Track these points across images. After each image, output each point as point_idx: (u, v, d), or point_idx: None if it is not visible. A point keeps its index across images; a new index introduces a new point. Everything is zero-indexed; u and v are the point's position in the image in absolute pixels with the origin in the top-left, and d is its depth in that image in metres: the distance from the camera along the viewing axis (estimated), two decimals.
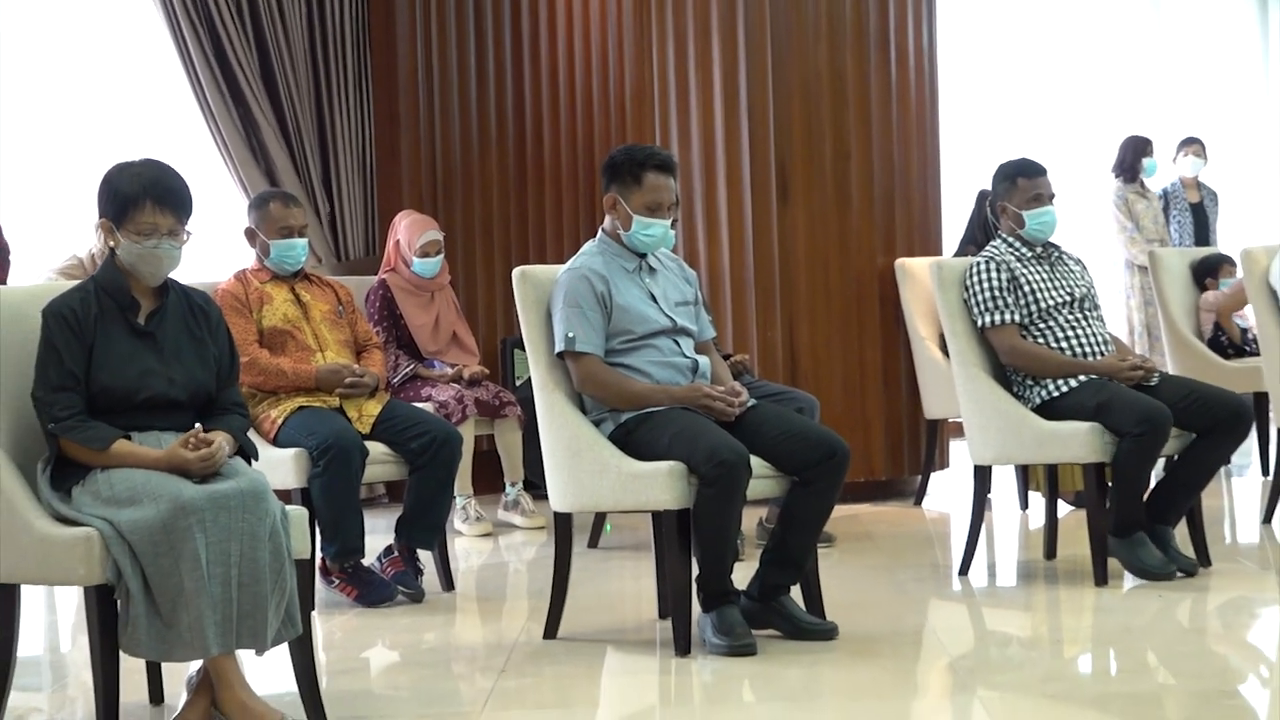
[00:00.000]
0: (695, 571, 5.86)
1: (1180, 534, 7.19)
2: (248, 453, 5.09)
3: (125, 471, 4.79)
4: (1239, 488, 9.87)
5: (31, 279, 8.03)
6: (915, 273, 9.29)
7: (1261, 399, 9.63)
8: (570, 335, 6.01)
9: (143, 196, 4.94)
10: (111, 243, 4.98)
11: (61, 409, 4.83)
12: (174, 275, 5.09)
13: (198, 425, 4.94)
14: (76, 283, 5.12)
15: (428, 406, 8.07)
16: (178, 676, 5.11)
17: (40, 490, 4.89)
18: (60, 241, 8.76)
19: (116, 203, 4.96)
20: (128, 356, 4.94)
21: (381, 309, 8.74)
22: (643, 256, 6.20)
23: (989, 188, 7.31)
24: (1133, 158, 12.13)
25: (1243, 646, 6.05)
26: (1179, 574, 6.82)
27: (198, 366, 5.07)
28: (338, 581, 7.02)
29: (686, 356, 6.17)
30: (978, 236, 9.49)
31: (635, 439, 5.94)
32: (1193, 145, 12.51)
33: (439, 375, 8.73)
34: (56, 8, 9.79)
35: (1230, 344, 10.09)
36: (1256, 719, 5.00)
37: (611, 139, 10.49)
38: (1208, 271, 10.17)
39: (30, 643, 6.64)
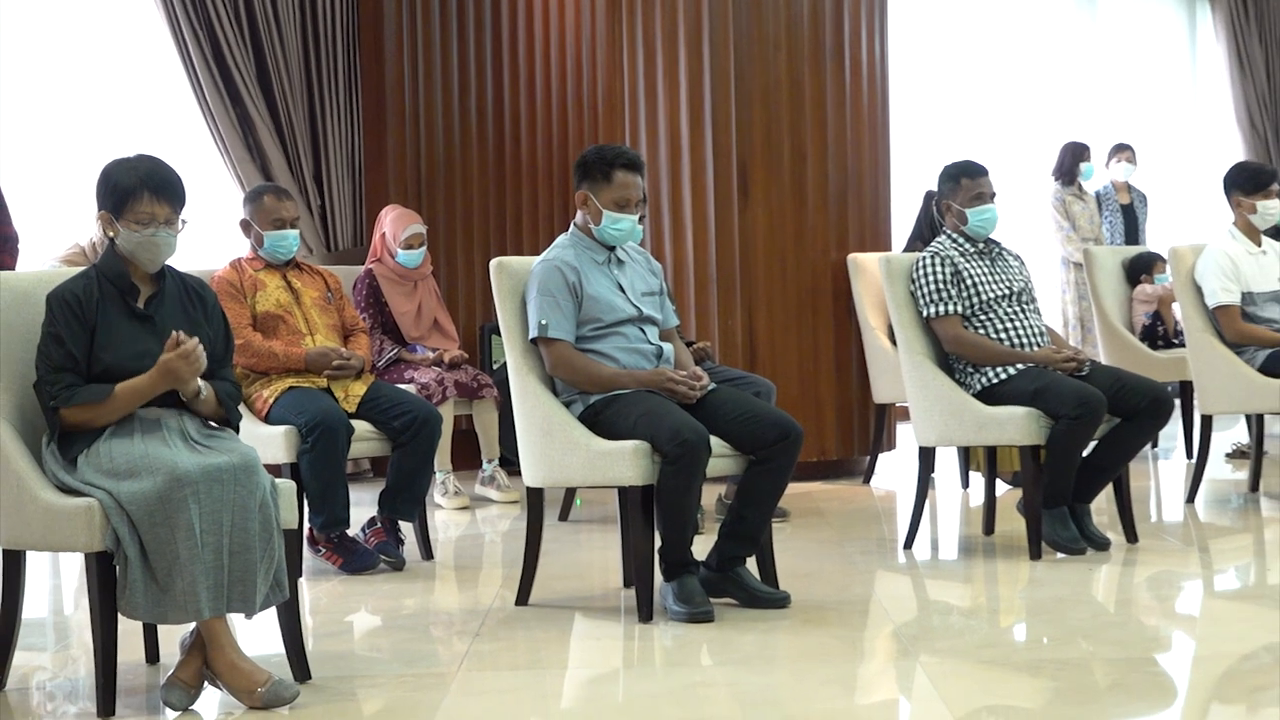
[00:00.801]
0: (658, 543, 5.87)
1: (1111, 513, 7.23)
2: (232, 419, 5.08)
3: (125, 444, 4.78)
4: (1164, 470, 9.89)
5: (37, 266, 7.99)
6: (866, 266, 9.29)
7: (1188, 387, 9.66)
8: (543, 322, 6.00)
9: (140, 188, 4.92)
10: (111, 233, 4.97)
11: (63, 386, 4.81)
12: (171, 262, 5.07)
13: (177, 334, 4.91)
14: (80, 269, 5.11)
15: (410, 388, 8.06)
16: (172, 638, 5.09)
17: (45, 463, 4.87)
18: (64, 231, 8.72)
19: (115, 195, 4.95)
20: (128, 338, 4.92)
21: (368, 296, 8.72)
22: (611, 249, 6.20)
23: (935, 188, 7.30)
24: (1071, 162, 12.15)
25: (1166, 617, 6.06)
26: (1088, 549, 6.85)
27: None
28: (324, 550, 7.01)
29: (652, 343, 6.16)
30: (925, 233, 9.49)
31: (603, 419, 5.93)
32: (1125, 152, 12.55)
33: (421, 359, 8.72)
34: (67, 13, 9.73)
35: (1164, 335, 10.09)
36: (1179, 684, 5.01)
37: (584, 139, 10.51)
38: (1141, 268, 10.18)
39: (35, 605, 6.62)
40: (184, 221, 5.01)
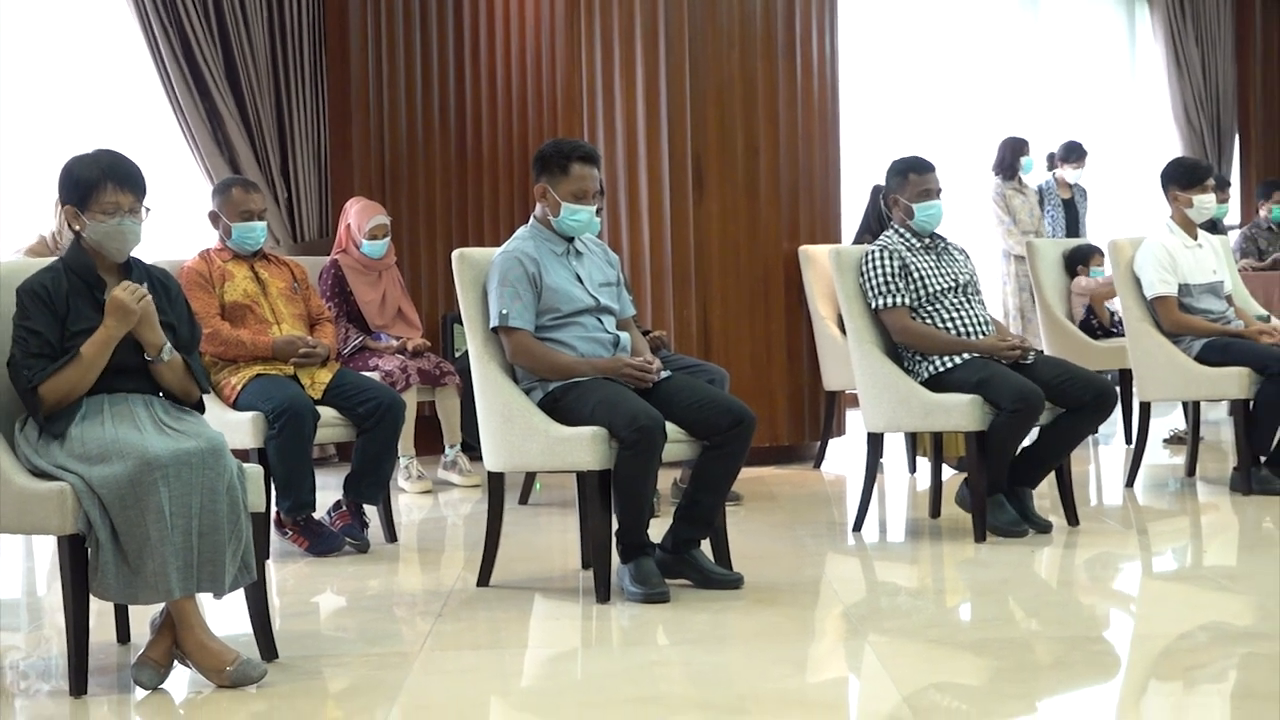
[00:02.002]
0: (615, 526, 5.87)
1: (1053, 497, 7.26)
2: (200, 381, 5.07)
3: (96, 430, 4.77)
4: (1105, 455, 9.93)
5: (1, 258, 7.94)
6: (816, 258, 9.31)
7: (1126, 375, 9.70)
8: (504, 312, 6.00)
9: (104, 179, 4.92)
10: (77, 226, 4.96)
11: (40, 369, 4.80)
12: (141, 252, 5.07)
13: (126, 284, 4.90)
14: (47, 261, 5.10)
15: (374, 375, 8.06)
16: (143, 618, 5.07)
17: (18, 447, 4.85)
18: (29, 224, 8.66)
19: (79, 188, 4.94)
20: (96, 328, 4.90)
21: (333, 286, 8.70)
22: (570, 241, 6.19)
23: (883, 183, 7.31)
24: (1011, 157, 12.17)
25: (1106, 597, 6.09)
26: (1031, 532, 6.88)
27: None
28: (290, 533, 7.00)
29: (609, 332, 6.16)
30: (873, 226, 9.50)
31: (562, 406, 5.93)
32: (1079, 160, 12.56)
33: (385, 347, 8.70)
34: (39, 11, 9.67)
35: (1100, 326, 10.13)
36: (1118, 661, 5.03)
37: (544, 134, 10.50)
38: (1079, 260, 10.20)
39: (9, 587, 6.60)
40: (147, 209, 5.01)
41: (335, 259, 8.80)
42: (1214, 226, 10.41)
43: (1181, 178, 8.27)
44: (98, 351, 4.85)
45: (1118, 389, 8.32)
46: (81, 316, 4.90)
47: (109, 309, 4.86)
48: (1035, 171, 12.44)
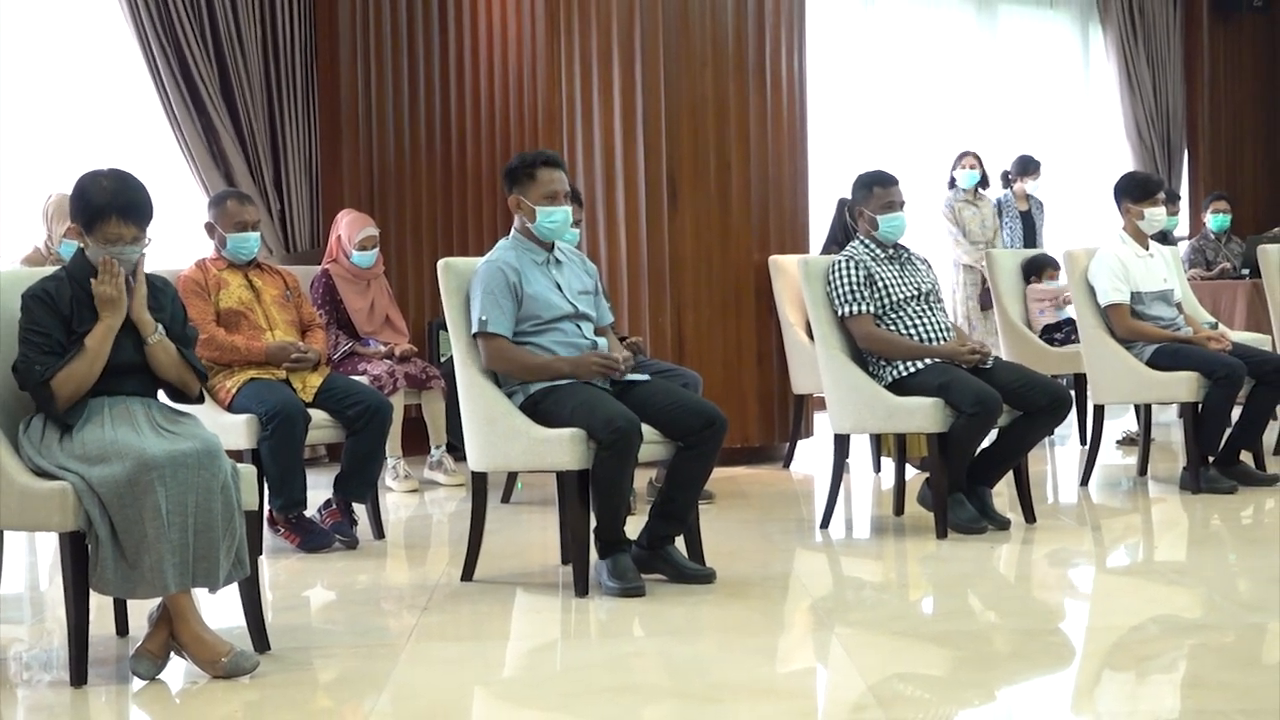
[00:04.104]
0: (593, 523, 5.86)
1: (1011, 495, 7.27)
2: (197, 368, 5.08)
3: (96, 432, 4.76)
4: (1060, 455, 9.94)
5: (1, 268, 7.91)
6: (785, 268, 9.31)
7: (1081, 379, 9.70)
8: (484, 319, 5.99)
9: (109, 209, 4.90)
10: (82, 244, 4.98)
11: (49, 365, 4.81)
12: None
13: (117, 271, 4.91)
14: (49, 270, 5.10)
15: (363, 379, 8.05)
16: (141, 612, 5.05)
17: (21, 448, 4.84)
18: (27, 234, 8.63)
19: (87, 213, 4.93)
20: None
21: (324, 294, 8.68)
22: (550, 250, 6.19)
23: (848, 196, 7.32)
24: (951, 170, 12.20)
25: (1062, 591, 6.10)
26: (990, 528, 6.89)
27: None
28: (282, 530, 6.98)
29: (587, 339, 6.16)
30: (839, 236, 9.49)
31: (542, 409, 5.93)
32: (1035, 172, 12.56)
33: (373, 352, 8.68)
34: (37, 29, 9.65)
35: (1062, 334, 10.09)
36: (1073, 652, 5.04)
37: (525, 149, 10.43)
38: (1033, 271, 10.21)
39: (12, 581, 6.57)
40: (149, 239, 5.00)
41: (326, 268, 8.78)
42: (1164, 238, 10.42)
43: (1134, 191, 8.29)
44: (100, 341, 4.86)
45: (1073, 393, 8.32)
46: (85, 320, 4.90)
47: (98, 304, 4.87)
48: (993, 186, 12.45)
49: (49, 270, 5.11)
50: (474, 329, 6.04)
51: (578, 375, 5.98)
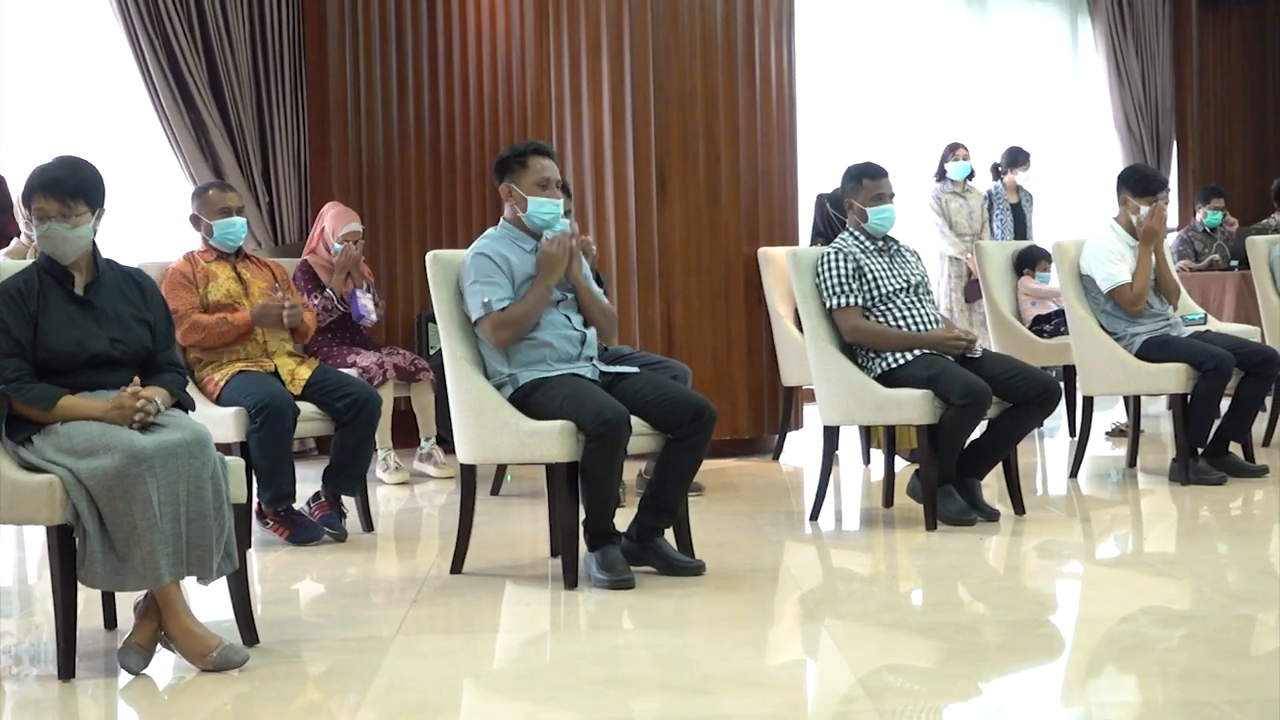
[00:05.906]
0: (582, 516, 5.86)
1: (1000, 487, 7.27)
2: (185, 405, 5.06)
3: (82, 425, 4.74)
4: (1050, 447, 9.95)
5: None
6: (775, 260, 9.31)
7: (1071, 371, 9.71)
8: (486, 300, 5.97)
9: (36, 188, 4.94)
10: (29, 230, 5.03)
11: (10, 372, 4.79)
12: (125, 254, 5.06)
13: (136, 379, 4.89)
14: (25, 264, 5.10)
15: (352, 372, 8.04)
16: (130, 605, 5.05)
17: (4, 441, 4.83)
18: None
19: (24, 198, 5.00)
20: (69, 322, 4.92)
21: (307, 281, 8.65)
22: (538, 238, 6.17)
23: (825, 191, 7.33)
24: (941, 161, 12.21)
25: (1051, 582, 6.10)
26: (979, 520, 6.90)
27: (135, 329, 5.04)
28: (271, 523, 6.97)
29: (576, 329, 6.15)
30: (823, 231, 9.49)
31: (531, 401, 5.92)
32: (1025, 164, 12.58)
33: (363, 305, 8.59)
34: (25, 23, 9.63)
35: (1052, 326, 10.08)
36: (1063, 643, 5.04)
37: (515, 140, 10.41)
38: (1026, 263, 10.21)
39: (1, 575, 6.56)
40: (92, 213, 4.97)
41: (306, 260, 8.76)
42: None
43: (1136, 185, 8.26)
44: (72, 415, 4.78)
45: (1062, 384, 8.32)
46: (52, 311, 4.90)
47: (114, 405, 4.77)
48: (982, 178, 12.46)
49: (28, 263, 5.12)
50: (477, 315, 6.00)
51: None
